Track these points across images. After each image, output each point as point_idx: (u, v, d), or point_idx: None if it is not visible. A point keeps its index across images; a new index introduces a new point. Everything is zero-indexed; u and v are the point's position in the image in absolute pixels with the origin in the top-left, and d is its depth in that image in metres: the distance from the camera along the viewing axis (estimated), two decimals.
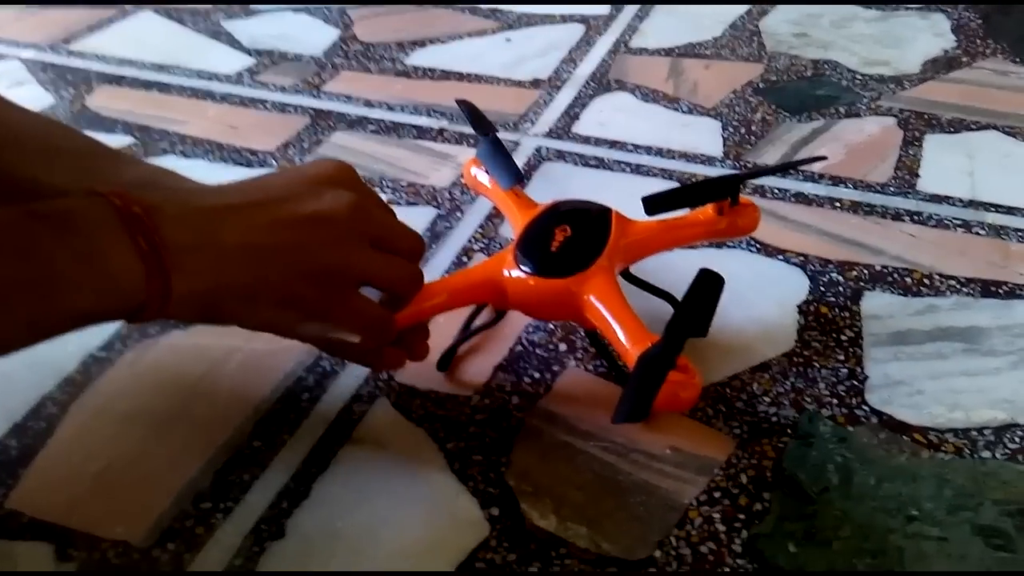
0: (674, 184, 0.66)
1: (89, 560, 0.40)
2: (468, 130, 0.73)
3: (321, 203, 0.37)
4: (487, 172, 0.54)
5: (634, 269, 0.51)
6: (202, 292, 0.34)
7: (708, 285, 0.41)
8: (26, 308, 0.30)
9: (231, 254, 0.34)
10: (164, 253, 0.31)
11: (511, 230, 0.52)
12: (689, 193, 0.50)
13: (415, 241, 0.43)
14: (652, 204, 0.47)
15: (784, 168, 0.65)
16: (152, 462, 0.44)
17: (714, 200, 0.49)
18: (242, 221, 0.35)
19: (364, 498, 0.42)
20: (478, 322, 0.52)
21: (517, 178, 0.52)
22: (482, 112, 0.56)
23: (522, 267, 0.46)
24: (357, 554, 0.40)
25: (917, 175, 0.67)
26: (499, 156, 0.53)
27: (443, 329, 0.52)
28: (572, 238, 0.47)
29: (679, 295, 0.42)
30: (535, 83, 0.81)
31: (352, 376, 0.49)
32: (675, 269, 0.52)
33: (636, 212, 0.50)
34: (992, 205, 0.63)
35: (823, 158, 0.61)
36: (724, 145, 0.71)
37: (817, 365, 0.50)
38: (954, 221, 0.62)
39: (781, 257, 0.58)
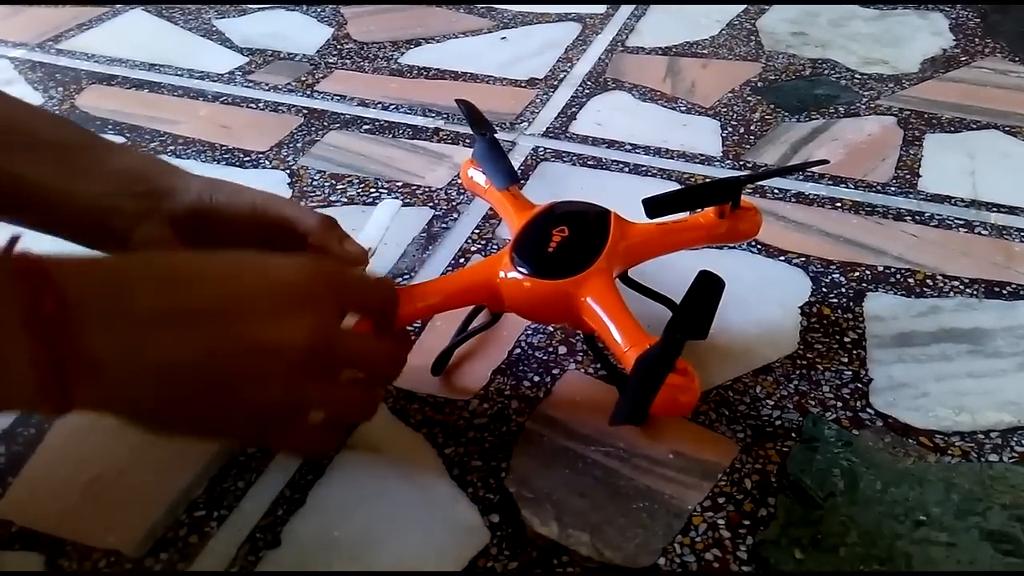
0: (673, 184, 0.66)
1: (80, 570, 0.39)
2: (464, 130, 0.72)
3: (278, 331, 0.32)
4: (483, 173, 0.53)
5: (632, 271, 0.50)
6: (109, 409, 0.30)
7: (708, 287, 0.40)
8: None
9: (152, 376, 0.30)
10: (71, 366, 0.27)
11: (508, 231, 0.51)
12: (690, 196, 0.50)
13: (389, 360, 0.39)
14: (653, 207, 0.47)
15: (787, 171, 0.65)
16: (144, 470, 0.43)
17: (715, 203, 0.49)
18: (178, 337, 0.30)
19: (361, 505, 0.42)
20: (474, 325, 0.51)
21: (513, 179, 0.52)
22: (481, 112, 0.55)
23: (518, 269, 0.45)
24: (354, 562, 0.39)
25: (918, 175, 0.66)
26: (495, 157, 0.53)
27: (439, 332, 0.51)
28: (569, 240, 0.46)
29: (678, 296, 0.41)
30: (531, 82, 0.80)
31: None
32: (674, 270, 0.52)
33: (634, 213, 0.49)
34: (994, 205, 0.63)
35: (825, 161, 0.61)
36: (723, 145, 0.70)
37: (820, 367, 0.49)
38: (956, 221, 0.61)
39: (782, 258, 0.58)
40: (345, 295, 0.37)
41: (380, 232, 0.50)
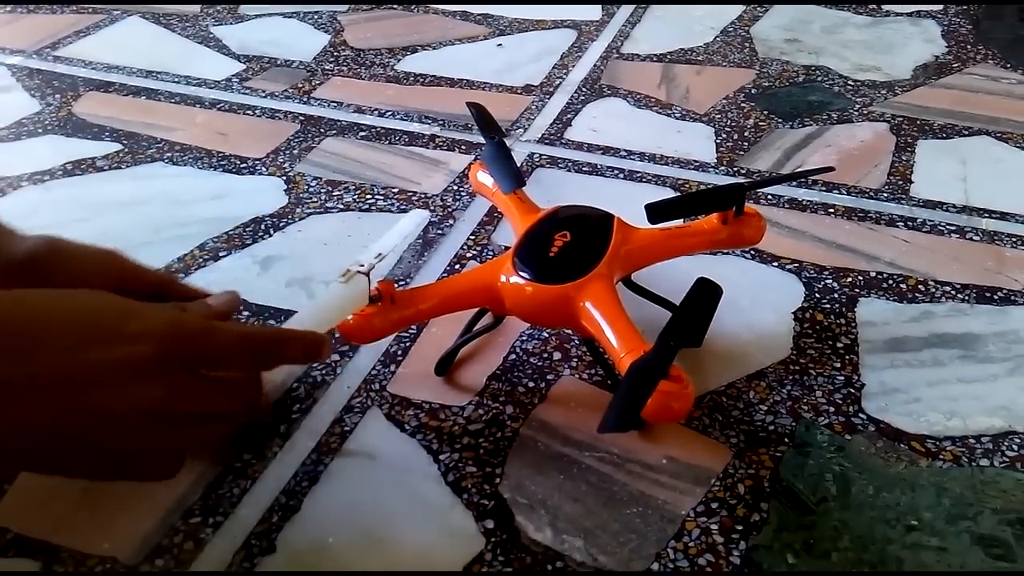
0: (667, 190, 0.66)
1: None
2: (460, 136, 0.73)
3: (127, 398, 0.34)
4: (490, 175, 0.54)
5: (633, 275, 0.51)
6: None
7: (705, 294, 0.41)
8: None
9: None
10: None
11: (512, 234, 0.51)
12: (693, 201, 0.50)
13: (232, 404, 0.39)
14: (656, 212, 0.47)
15: (791, 178, 0.65)
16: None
17: (719, 209, 0.49)
18: (28, 402, 0.32)
19: (356, 512, 0.42)
20: (479, 326, 0.51)
21: (519, 182, 0.52)
22: (491, 115, 0.56)
23: (520, 273, 0.45)
24: (349, 569, 0.39)
25: (910, 181, 0.67)
26: (501, 160, 0.53)
27: (436, 338, 0.51)
28: (571, 244, 0.46)
29: (678, 301, 0.41)
30: (527, 89, 0.80)
31: (343, 387, 0.49)
32: (670, 274, 0.52)
33: (629, 218, 0.50)
34: (985, 211, 0.63)
35: (831, 168, 0.61)
36: (717, 151, 0.71)
37: (813, 373, 0.49)
38: (948, 227, 0.61)
39: (776, 264, 0.58)
40: (194, 354, 0.36)
41: (399, 240, 0.48)
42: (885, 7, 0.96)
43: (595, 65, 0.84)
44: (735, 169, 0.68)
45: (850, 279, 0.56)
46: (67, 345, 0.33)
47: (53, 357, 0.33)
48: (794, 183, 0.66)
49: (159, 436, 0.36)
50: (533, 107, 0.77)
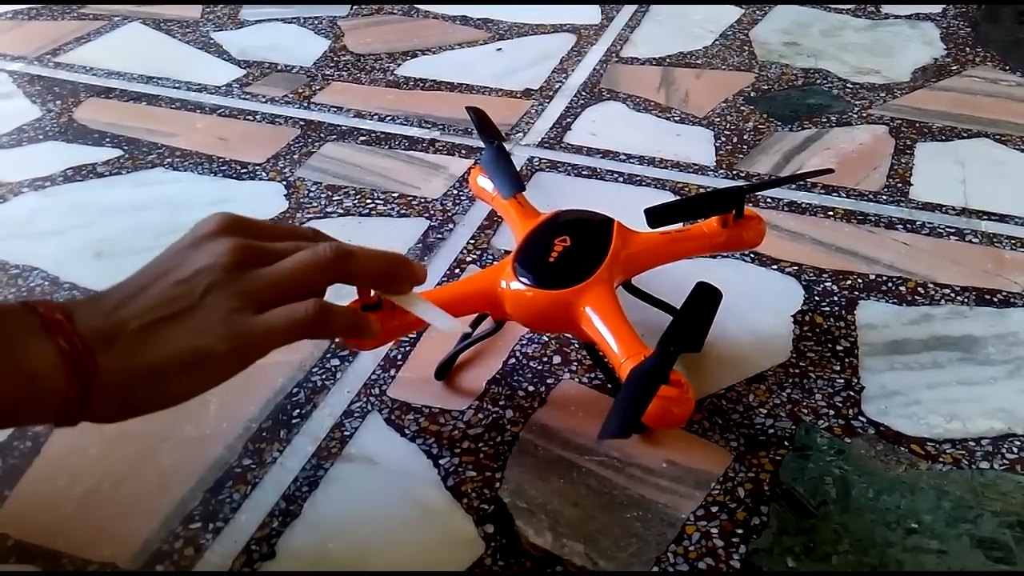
0: (667, 194, 0.66)
1: None
2: (460, 140, 0.73)
3: (202, 256, 0.36)
4: (490, 180, 0.54)
5: (633, 279, 0.51)
6: (120, 381, 0.33)
7: (705, 299, 0.41)
8: None
9: (140, 337, 0.34)
10: (84, 353, 0.32)
11: (512, 239, 0.51)
12: (693, 205, 0.50)
13: (312, 238, 0.40)
14: (655, 216, 0.47)
15: (790, 180, 0.65)
16: (140, 482, 0.44)
17: (719, 212, 0.49)
18: (140, 303, 0.34)
19: (356, 517, 0.42)
20: (479, 331, 0.51)
21: (519, 186, 0.52)
22: (491, 120, 0.56)
23: (520, 278, 0.45)
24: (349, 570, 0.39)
25: (909, 183, 0.67)
26: (501, 164, 0.53)
27: (436, 343, 0.51)
28: (571, 249, 0.46)
29: (678, 304, 0.41)
30: (527, 93, 0.80)
31: (344, 392, 0.49)
32: (669, 278, 0.52)
33: (628, 222, 0.50)
34: (985, 213, 0.63)
35: (830, 171, 0.61)
36: (716, 154, 0.71)
37: (813, 376, 0.49)
38: (947, 229, 0.61)
39: (775, 267, 0.58)
40: (251, 229, 0.38)
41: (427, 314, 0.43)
42: (884, 10, 0.96)
43: (594, 69, 0.84)
44: (734, 172, 0.68)
45: (849, 282, 0.56)
46: (152, 261, 0.37)
47: (143, 271, 0.36)
48: (793, 186, 0.66)
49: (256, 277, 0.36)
50: (533, 111, 0.77)
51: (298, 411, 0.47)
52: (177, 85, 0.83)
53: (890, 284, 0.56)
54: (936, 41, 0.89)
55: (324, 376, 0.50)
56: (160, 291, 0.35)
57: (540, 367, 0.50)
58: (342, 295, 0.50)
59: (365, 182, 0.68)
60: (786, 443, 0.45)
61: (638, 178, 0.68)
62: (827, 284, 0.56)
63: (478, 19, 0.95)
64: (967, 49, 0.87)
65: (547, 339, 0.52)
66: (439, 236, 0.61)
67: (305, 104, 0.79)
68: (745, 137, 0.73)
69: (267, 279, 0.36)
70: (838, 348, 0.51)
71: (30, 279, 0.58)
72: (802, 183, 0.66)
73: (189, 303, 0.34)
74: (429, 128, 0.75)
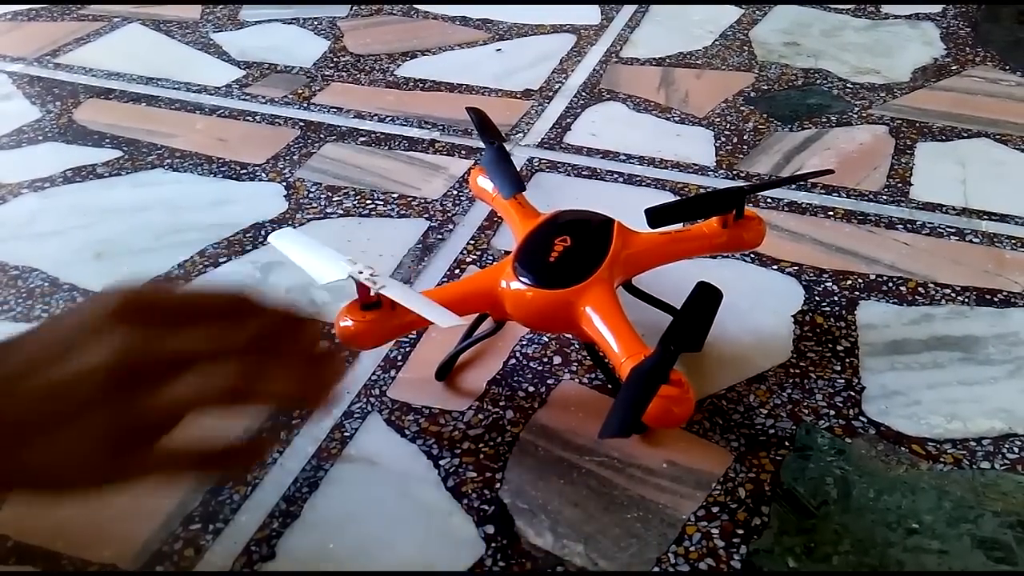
0: (667, 194, 0.66)
1: None
2: (460, 141, 0.73)
3: (90, 353, 0.29)
4: (490, 180, 0.54)
5: (634, 279, 0.51)
6: None
7: (705, 299, 0.41)
8: None
9: (13, 431, 0.29)
10: None
11: (512, 239, 0.51)
12: (693, 205, 0.50)
13: (235, 308, 0.32)
14: (656, 217, 0.47)
15: (790, 181, 0.65)
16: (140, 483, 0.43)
17: (719, 213, 0.49)
18: (18, 394, 0.29)
19: (356, 518, 0.42)
20: (479, 332, 0.51)
21: (519, 187, 0.52)
22: (491, 120, 0.56)
23: (520, 278, 0.45)
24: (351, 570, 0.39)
25: (910, 183, 0.67)
26: (501, 164, 0.53)
27: (436, 343, 0.51)
28: (571, 249, 0.46)
29: (678, 304, 0.41)
30: (526, 93, 0.80)
31: (343, 392, 0.49)
32: (669, 278, 0.52)
33: (629, 222, 0.50)
34: (985, 213, 0.63)
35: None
36: (716, 154, 0.71)
37: (814, 376, 0.49)
38: (948, 229, 0.61)
39: (775, 267, 0.58)
40: (156, 311, 0.31)
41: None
42: (884, 10, 0.96)
43: (594, 69, 0.84)
44: (734, 172, 0.68)
45: (850, 282, 0.56)
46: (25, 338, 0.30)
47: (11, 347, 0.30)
48: (794, 186, 0.66)
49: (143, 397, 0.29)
50: (532, 111, 0.77)
51: (298, 412, 0.47)
52: (177, 86, 0.83)
53: (890, 284, 0.56)
54: (936, 41, 0.89)
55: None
56: (38, 387, 0.29)
57: (540, 368, 0.50)
58: (339, 297, 0.50)
59: (365, 183, 0.68)
60: (787, 443, 0.45)
61: (638, 178, 0.68)
62: (827, 284, 0.56)
63: (478, 20, 0.95)
64: (967, 49, 0.87)
65: (547, 340, 0.52)
66: (439, 237, 0.61)
67: (305, 105, 0.79)
68: (745, 137, 0.73)
69: (152, 409, 0.29)
70: (839, 348, 0.51)
71: (30, 280, 0.58)
72: (803, 183, 0.66)
73: (64, 414, 0.29)
74: (429, 129, 0.75)
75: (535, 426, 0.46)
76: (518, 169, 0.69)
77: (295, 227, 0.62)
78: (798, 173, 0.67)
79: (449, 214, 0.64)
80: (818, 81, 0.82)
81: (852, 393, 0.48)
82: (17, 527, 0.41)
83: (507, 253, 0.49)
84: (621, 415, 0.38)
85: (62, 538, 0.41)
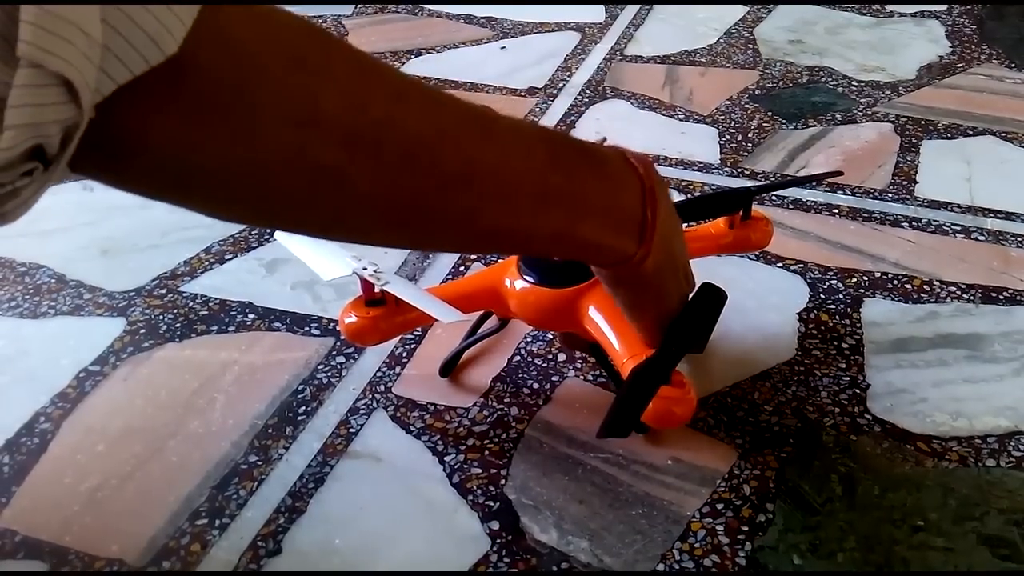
0: (672, 191, 0.66)
1: None
2: None
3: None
4: None
5: None
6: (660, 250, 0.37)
7: (709, 300, 0.41)
8: (556, 219, 0.33)
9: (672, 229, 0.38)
10: (654, 219, 0.36)
11: None
12: (700, 206, 0.50)
13: None
14: None
15: (799, 182, 0.65)
16: (146, 479, 0.44)
17: (726, 213, 0.49)
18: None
19: (362, 514, 0.42)
20: (483, 329, 0.51)
21: None
22: None
23: (524, 277, 0.45)
24: (355, 570, 0.39)
25: (915, 181, 0.66)
26: None
27: (440, 340, 0.52)
28: None
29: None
30: (531, 91, 0.80)
31: (349, 389, 0.49)
32: None
33: None
34: (991, 211, 0.63)
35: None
36: (721, 152, 0.71)
37: (819, 373, 0.49)
38: (953, 227, 0.61)
39: (780, 265, 0.58)
40: None
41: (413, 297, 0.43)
42: (889, 8, 0.96)
43: (599, 67, 0.84)
44: (739, 170, 0.68)
45: (855, 279, 0.56)
46: None
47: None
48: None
49: None
50: (537, 109, 0.77)
51: (304, 408, 0.47)
52: None
53: (896, 282, 0.56)
54: (941, 39, 0.89)
55: (330, 373, 0.50)
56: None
57: (545, 365, 0.50)
58: (343, 294, 0.50)
59: None
60: (791, 440, 0.45)
61: None
62: (832, 282, 0.56)
63: (482, 17, 0.95)
64: (972, 47, 0.87)
65: (552, 337, 0.52)
66: None
67: None
68: (750, 135, 0.73)
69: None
70: (843, 346, 0.51)
71: (37, 276, 0.58)
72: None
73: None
74: None
75: (540, 423, 0.46)
76: None
77: None
78: (807, 174, 0.67)
79: None
80: (823, 79, 0.81)
81: (857, 390, 0.48)
82: (25, 522, 0.42)
83: None
84: (619, 415, 0.38)
85: (69, 533, 0.41)
